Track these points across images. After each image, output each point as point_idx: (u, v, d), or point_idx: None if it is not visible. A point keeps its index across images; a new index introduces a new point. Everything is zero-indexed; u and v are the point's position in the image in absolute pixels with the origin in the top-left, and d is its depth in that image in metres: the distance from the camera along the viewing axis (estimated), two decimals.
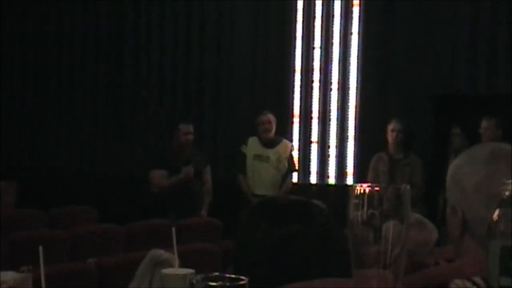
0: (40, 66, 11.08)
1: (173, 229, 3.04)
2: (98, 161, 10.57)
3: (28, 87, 11.16)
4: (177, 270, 2.70)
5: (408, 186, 1.39)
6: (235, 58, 9.89)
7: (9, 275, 2.95)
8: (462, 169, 1.80)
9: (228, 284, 1.22)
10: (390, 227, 1.33)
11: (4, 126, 11.13)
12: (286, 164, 8.49)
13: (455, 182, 1.80)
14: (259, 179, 8.38)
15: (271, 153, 8.43)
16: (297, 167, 8.97)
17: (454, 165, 1.84)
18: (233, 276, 1.24)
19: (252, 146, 8.47)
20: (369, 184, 1.37)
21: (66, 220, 7.71)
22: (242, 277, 1.23)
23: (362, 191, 1.35)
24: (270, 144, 8.45)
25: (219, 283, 1.21)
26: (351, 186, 1.36)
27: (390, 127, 8.22)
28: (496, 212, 1.34)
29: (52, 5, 10.98)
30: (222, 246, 6.47)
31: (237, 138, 8.83)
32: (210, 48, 10.05)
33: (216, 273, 1.21)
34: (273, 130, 8.44)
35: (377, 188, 1.36)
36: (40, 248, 2.73)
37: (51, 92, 10.98)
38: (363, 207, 1.34)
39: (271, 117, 8.43)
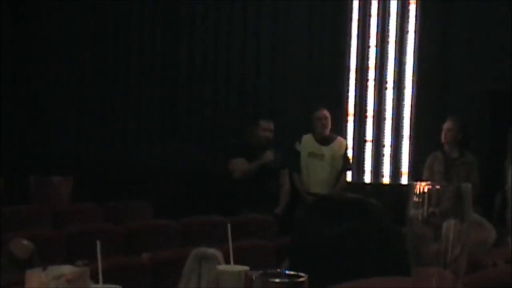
0: (98, 61, 11.20)
1: (228, 226, 3.05)
2: (155, 155, 10.66)
3: (84, 83, 11.29)
4: (232, 267, 2.71)
5: (469, 185, 1.37)
6: (290, 56, 9.88)
7: (67, 269, 2.99)
8: None
9: (287, 280, 1.21)
10: (450, 226, 1.32)
11: (60, 121, 11.28)
12: (341, 162, 8.45)
13: None
14: (314, 177, 8.36)
15: (326, 150, 8.40)
16: (351, 165, 8.93)
17: None
18: (292, 273, 1.23)
19: (307, 143, 8.45)
20: (429, 182, 1.36)
21: (121, 214, 7.79)
22: (302, 274, 1.22)
23: (422, 189, 1.34)
24: (325, 141, 8.43)
25: (279, 279, 1.20)
26: (410, 184, 1.35)
27: (445, 126, 8.13)
28: None
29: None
30: (276, 242, 6.47)
31: (292, 136, 8.81)
32: (266, 46, 10.05)
33: (277, 269, 1.21)
34: (329, 127, 8.43)
35: (437, 187, 1.35)
36: (98, 242, 2.76)
37: (106, 87, 11.10)
38: (423, 205, 1.33)
39: (327, 113, 8.43)
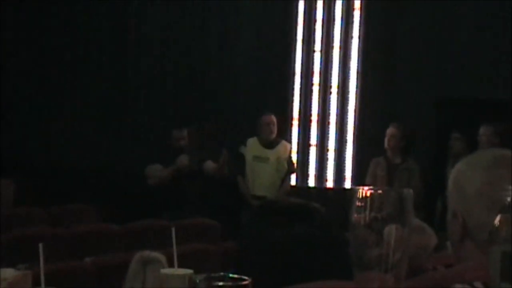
0: (42, 62, 11.06)
1: (173, 229, 3.04)
2: (98, 158, 10.56)
3: (29, 85, 11.15)
4: (176, 270, 2.70)
5: (411, 190, 1.39)
6: (236, 60, 9.90)
7: (8, 272, 2.96)
8: (464, 174, 1.80)
9: (231, 284, 1.21)
10: (392, 230, 1.34)
11: (2, 122, 11.12)
12: (286, 165, 8.53)
13: (456, 187, 1.80)
14: (258, 180, 8.41)
15: (270, 154, 8.47)
16: (296, 169, 9.00)
17: (456, 170, 1.84)
18: (236, 276, 1.24)
19: (252, 147, 8.51)
20: (371, 187, 1.38)
21: (65, 218, 7.71)
22: (245, 277, 1.23)
23: (365, 194, 1.36)
24: (269, 145, 8.50)
25: (223, 282, 1.21)
26: (352, 189, 1.37)
27: (388, 132, 8.22)
28: (498, 218, 1.34)
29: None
30: (221, 246, 6.47)
31: (237, 139, 8.83)
32: (212, 49, 10.05)
33: (220, 273, 1.22)
34: (275, 132, 8.50)
35: (379, 192, 1.36)
36: (40, 245, 2.73)
37: (50, 89, 10.97)
38: (365, 210, 1.35)
39: (274, 118, 8.50)
